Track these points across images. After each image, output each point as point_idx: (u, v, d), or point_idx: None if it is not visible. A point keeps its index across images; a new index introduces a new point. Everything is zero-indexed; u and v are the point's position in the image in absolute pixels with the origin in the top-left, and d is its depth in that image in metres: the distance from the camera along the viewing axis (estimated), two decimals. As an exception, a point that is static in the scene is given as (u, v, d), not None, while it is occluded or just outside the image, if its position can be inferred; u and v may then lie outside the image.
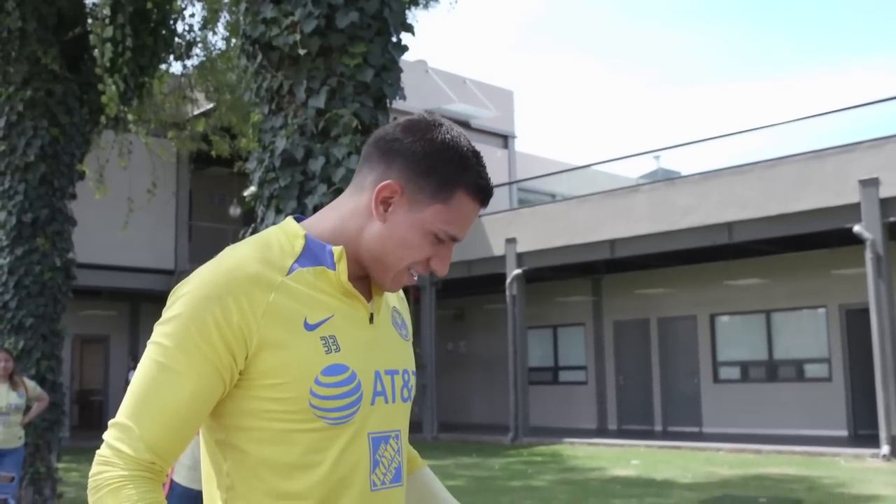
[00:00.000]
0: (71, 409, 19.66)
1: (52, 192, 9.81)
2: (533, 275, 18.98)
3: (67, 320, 10.13)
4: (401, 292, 1.71)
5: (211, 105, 13.18)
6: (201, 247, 22.28)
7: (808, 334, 17.66)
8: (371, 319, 1.52)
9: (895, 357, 13.38)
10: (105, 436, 1.40)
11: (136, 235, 17.62)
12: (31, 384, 7.80)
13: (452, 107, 21.94)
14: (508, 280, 18.47)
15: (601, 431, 19.86)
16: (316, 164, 4.52)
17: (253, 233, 4.84)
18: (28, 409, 7.71)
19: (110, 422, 1.40)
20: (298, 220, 1.56)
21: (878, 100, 15.19)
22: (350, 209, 1.52)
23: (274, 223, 4.64)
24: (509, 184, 23.43)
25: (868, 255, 13.56)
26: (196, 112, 13.72)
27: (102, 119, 9.75)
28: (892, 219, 13.52)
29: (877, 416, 13.73)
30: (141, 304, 21.70)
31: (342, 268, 1.47)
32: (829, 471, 12.25)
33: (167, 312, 1.42)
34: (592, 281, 20.89)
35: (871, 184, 13.55)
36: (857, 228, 13.63)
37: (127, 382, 20.09)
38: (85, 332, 21.15)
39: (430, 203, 1.45)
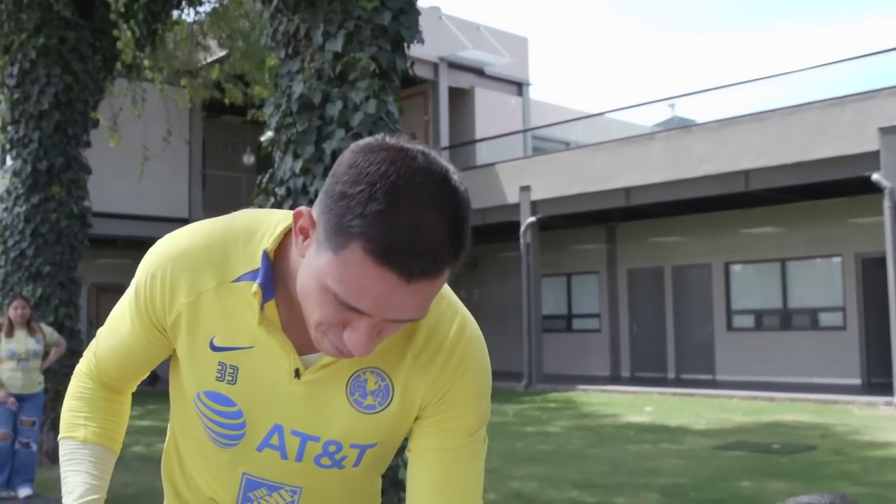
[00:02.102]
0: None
1: (67, 140, 9.79)
2: (547, 222, 18.94)
3: (83, 269, 10.18)
4: (422, 356, 1.33)
5: (224, 52, 13.10)
6: (215, 195, 22.32)
7: (823, 283, 17.61)
8: (297, 374, 1.31)
9: (911, 305, 13.34)
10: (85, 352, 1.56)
11: (150, 184, 17.64)
12: (48, 330, 7.86)
13: (466, 54, 21.72)
14: (522, 228, 18.44)
15: (614, 379, 19.96)
16: (333, 109, 4.48)
17: (270, 179, 4.82)
18: (46, 354, 7.78)
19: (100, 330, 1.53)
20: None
21: (900, 45, 14.93)
22: None
23: (291, 168, 4.62)
24: (523, 131, 23.28)
25: (886, 203, 13.46)
26: (209, 60, 13.63)
27: (118, 66, 9.68)
28: (911, 166, 13.39)
29: (891, 365, 13.73)
30: (156, 252, 21.81)
31: (255, 308, 1.28)
32: (843, 418, 12.30)
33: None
34: (607, 229, 20.84)
35: (891, 131, 13.39)
36: (875, 176, 13.51)
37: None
38: (101, 281, 21.30)
39: (326, 248, 1.11)
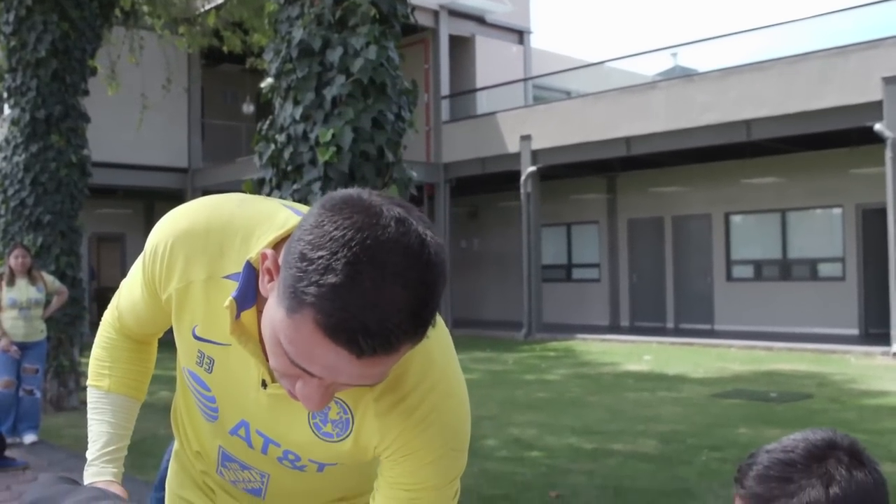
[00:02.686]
0: (90, 306, 20.00)
1: (65, 88, 9.73)
2: (547, 172, 18.90)
3: (84, 219, 10.19)
4: (381, 384, 1.23)
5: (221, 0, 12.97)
6: (214, 145, 22.26)
7: (823, 234, 17.62)
8: (264, 384, 1.31)
9: (910, 256, 13.36)
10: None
11: (149, 134, 17.57)
12: (49, 278, 7.88)
13: (467, 1, 21.48)
14: (523, 177, 18.40)
15: (613, 328, 20.07)
16: (334, 55, 4.44)
17: (270, 126, 4.79)
18: (48, 303, 7.81)
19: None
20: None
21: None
22: None
23: (292, 115, 4.59)
24: (524, 80, 23.11)
25: (888, 153, 13.40)
26: (206, 7, 13.50)
27: (116, 13, 9.57)
28: (914, 116, 13.31)
29: (888, 316, 13.80)
30: (155, 202, 21.80)
31: (229, 322, 1.25)
32: (840, 367, 12.39)
33: None
34: (607, 179, 20.80)
35: (894, 81, 13.29)
36: (878, 127, 13.43)
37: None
38: (101, 231, 21.32)
39: (282, 304, 1.07)
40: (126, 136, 17.78)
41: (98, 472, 1.52)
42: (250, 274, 1.23)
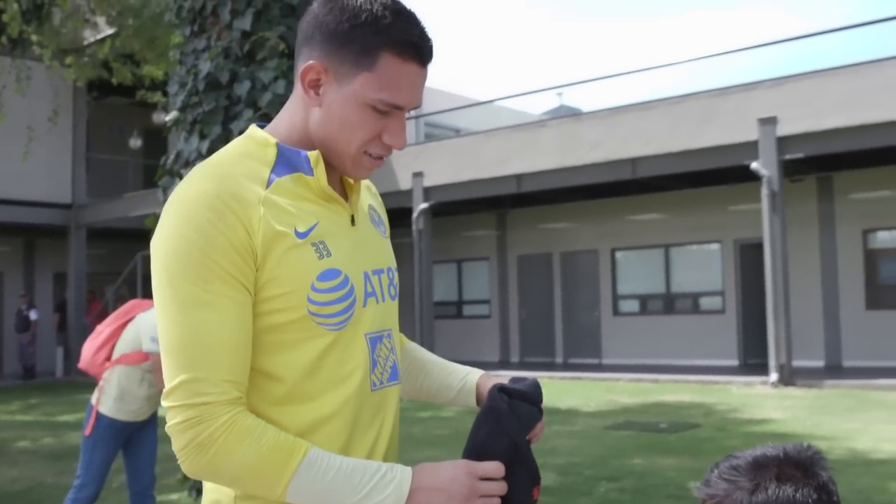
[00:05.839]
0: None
1: (-56, 118, 9.36)
2: (439, 209, 19.05)
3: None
4: (374, 188, 1.75)
5: (112, 31, 12.68)
6: (99, 179, 21.60)
7: (704, 268, 18.28)
8: (352, 221, 1.52)
9: (785, 289, 13.98)
10: (171, 402, 1.32)
11: (32, 167, 16.94)
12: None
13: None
14: (415, 214, 18.49)
15: (504, 363, 20.28)
16: (242, 88, 4.41)
17: (175, 160, 4.73)
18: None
19: (168, 388, 1.33)
20: (261, 126, 1.53)
21: (781, 39, 15.60)
22: (294, 104, 1.49)
23: (197, 149, 4.54)
24: (416, 118, 23.32)
25: (764, 191, 14.04)
26: (97, 37, 13.19)
27: (3, 40, 9.26)
28: (787, 156, 14.01)
29: (766, 347, 14.38)
30: (37, 239, 20.97)
31: (320, 172, 1.45)
32: (722, 397, 12.82)
33: (166, 255, 1.35)
34: (497, 215, 21.11)
35: (769, 122, 13.98)
36: (754, 165, 14.08)
37: (22, 319, 19.38)
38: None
39: (356, 73, 1.40)
40: (5, 169, 17.12)
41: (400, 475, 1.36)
42: (290, 149, 1.47)
